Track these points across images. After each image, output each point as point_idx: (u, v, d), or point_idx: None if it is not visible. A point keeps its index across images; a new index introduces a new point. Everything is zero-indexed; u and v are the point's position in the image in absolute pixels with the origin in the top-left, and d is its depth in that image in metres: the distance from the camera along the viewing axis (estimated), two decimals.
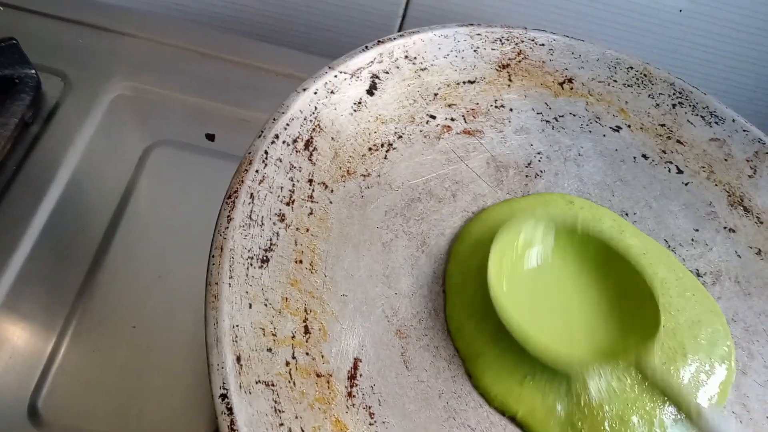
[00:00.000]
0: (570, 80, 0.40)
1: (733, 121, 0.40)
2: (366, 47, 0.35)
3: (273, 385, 0.24)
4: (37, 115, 0.38)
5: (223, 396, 0.22)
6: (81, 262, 0.33)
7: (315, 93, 0.32)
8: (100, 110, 0.39)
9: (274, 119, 0.31)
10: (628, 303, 0.29)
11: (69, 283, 0.32)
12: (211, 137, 0.39)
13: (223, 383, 0.22)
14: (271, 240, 0.28)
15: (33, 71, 0.38)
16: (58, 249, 0.33)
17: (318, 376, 0.25)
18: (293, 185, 0.30)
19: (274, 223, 0.28)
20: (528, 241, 0.30)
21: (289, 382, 0.24)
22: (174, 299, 0.33)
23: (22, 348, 0.30)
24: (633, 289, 0.29)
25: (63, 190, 0.35)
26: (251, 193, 0.28)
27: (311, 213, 0.30)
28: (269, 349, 0.25)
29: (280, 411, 0.23)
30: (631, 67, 0.41)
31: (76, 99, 0.39)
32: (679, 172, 0.39)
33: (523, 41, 0.40)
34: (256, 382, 0.23)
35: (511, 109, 0.38)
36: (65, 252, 0.33)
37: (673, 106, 0.40)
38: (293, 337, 0.26)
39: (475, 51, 0.39)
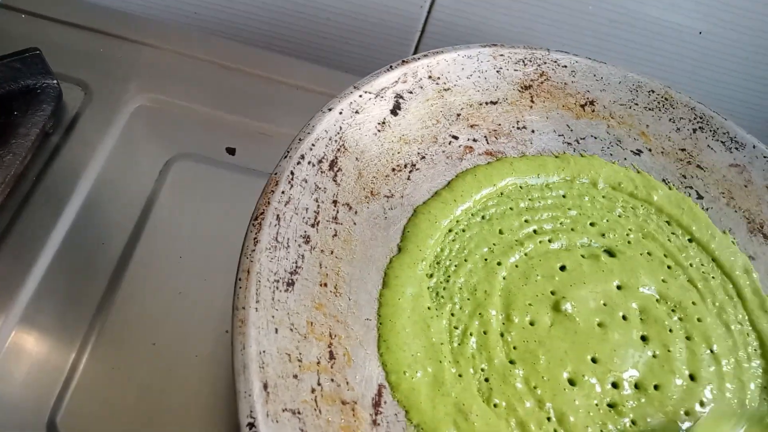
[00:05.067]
0: (592, 102, 0.40)
1: (754, 147, 0.40)
2: (390, 67, 0.35)
3: (299, 413, 0.23)
4: (57, 126, 0.38)
5: (251, 425, 0.22)
6: (101, 276, 0.33)
7: (340, 113, 0.32)
8: (121, 121, 0.39)
9: (300, 139, 0.30)
10: None
11: (88, 297, 0.32)
12: (231, 151, 0.39)
13: (251, 411, 0.22)
14: (296, 263, 0.28)
15: (55, 81, 0.37)
16: (78, 262, 0.33)
17: (343, 403, 0.25)
18: (318, 206, 0.30)
19: (300, 245, 0.28)
20: None
21: (315, 409, 0.24)
22: (194, 316, 0.32)
23: (41, 363, 0.30)
24: None
25: (83, 203, 0.35)
26: (277, 215, 0.28)
27: (335, 235, 0.30)
28: (295, 376, 0.24)
29: None
30: (653, 91, 0.41)
31: (97, 109, 0.39)
32: (699, 197, 0.38)
33: (545, 62, 0.40)
34: (283, 410, 0.23)
35: (533, 131, 0.38)
36: (85, 266, 0.33)
37: (694, 130, 0.40)
38: (318, 362, 0.25)
39: (497, 72, 0.38)
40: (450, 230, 0.32)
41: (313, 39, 0.51)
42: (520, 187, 0.36)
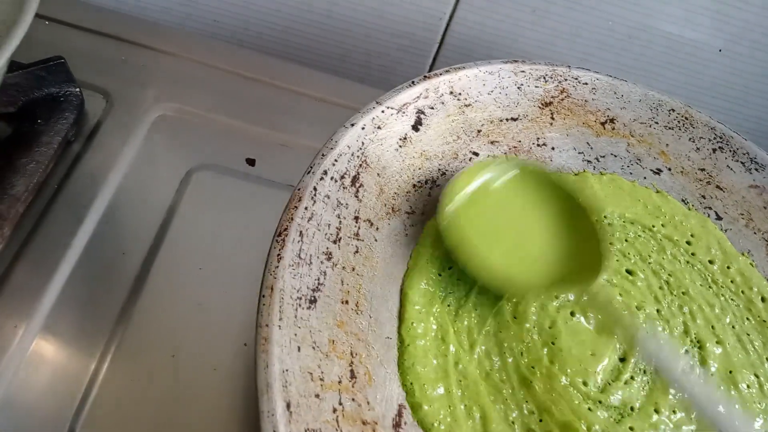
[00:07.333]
0: (612, 120, 0.40)
1: None
2: (412, 82, 0.35)
3: None
4: (79, 134, 0.38)
5: None
6: (121, 286, 0.33)
7: (363, 128, 0.32)
8: (142, 130, 0.39)
9: (323, 155, 0.31)
10: (579, 243, 0.31)
11: (109, 307, 0.32)
12: (251, 162, 0.39)
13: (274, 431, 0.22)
14: (318, 279, 0.28)
15: (77, 89, 0.38)
16: (99, 272, 0.33)
17: (364, 423, 0.25)
18: (340, 223, 0.30)
19: (322, 262, 0.28)
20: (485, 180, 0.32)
21: (336, 429, 0.24)
22: (213, 328, 0.32)
23: (62, 372, 0.30)
24: (584, 231, 0.31)
25: (104, 212, 0.35)
26: (300, 231, 0.28)
27: (357, 251, 0.30)
28: (317, 395, 0.24)
29: None
30: (673, 110, 0.40)
31: (118, 118, 0.39)
32: (718, 218, 0.38)
33: (566, 79, 0.39)
34: (305, 430, 0.23)
35: (552, 148, 0.38)
36: (105, 275, 0.33)
37: (714, 150, 0.40)
38: (340, 382, 0.25)
39: (518, 88, 0.38)
40: None
41: (332, 49, 0.51)
42: None
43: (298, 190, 0.29)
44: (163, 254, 0.34)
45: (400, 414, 0.26)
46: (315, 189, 0.29)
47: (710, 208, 0.38)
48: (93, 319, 0.32)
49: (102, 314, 0.32)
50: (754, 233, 0.38)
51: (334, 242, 0.29)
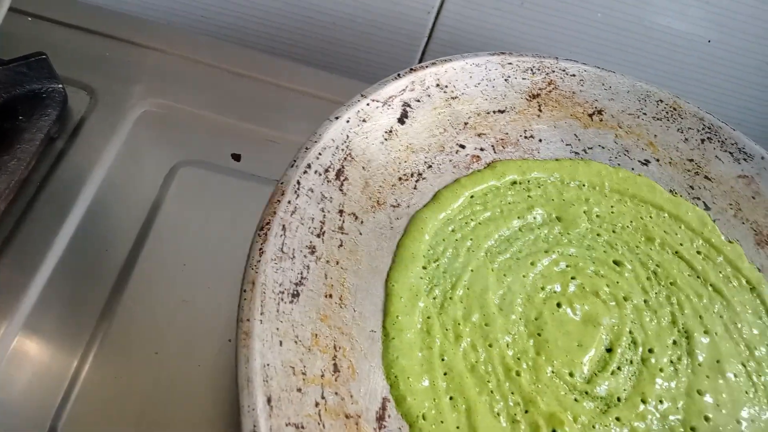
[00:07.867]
0: (600, 112, 0.40)
1: (762, 158, 0.39)
2: (398, 75, 0.35)
3: (303, 427, 0.23)
4: (62, 130, 0.37)
5: None
6: (104, 283, 0.33)
7: (347, 121, 0.32)
8: (126, 126, 0.39)
9: (307, 148, 0.30)
10: None
11: (92, 304, 0.32)
12: (237, 157, 0.39)
13: (254, 426, 0.22)
14: (301, 273, 0.27)
15: (60, 86, 0.37)
16: (82, 269, 0.33)
17: (347, 417, 0.25)
18: (324, 216, 0.30)
19: (305, 256, 0.28)
20: None
21: (319, 423, 0.24)
22: (197, 324, 0.32)
23: (44, 370, 0.30)
24: None
25: (87, 209, 0.35)
26: (283, 225, 0.28)
27: (341, 245, 0.30)
28: (299, 389, 0.24)
29: None
30: (661, 101, 0.40)
31: (102, 114, 0.39)
32: (707, 208, 0.38)
33: (554, 71, 0.39)
34: (287, 425, 0.23)
35: (540, 140, 0.38)
36: (88, 272, 0.33)
37: (702, 141, 0.40)
38: (323, 375, 0.25)
39: (506, 80, 0.38)
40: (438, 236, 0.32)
41: (319, 44, 0.51)
42: (519, 182, 0.36)
43: (281, 183, 0.29)
44: (148, 251, 0.34)
45: (383, 407, 0.26)
46: (298, 183, 0.29)
47: (699, 199, 0.38)
48: (76, 316, 0.31)
49: (85, 311, 0.32)
50: (743, 223, 0.38)
51: (318, 236, 0.29)
